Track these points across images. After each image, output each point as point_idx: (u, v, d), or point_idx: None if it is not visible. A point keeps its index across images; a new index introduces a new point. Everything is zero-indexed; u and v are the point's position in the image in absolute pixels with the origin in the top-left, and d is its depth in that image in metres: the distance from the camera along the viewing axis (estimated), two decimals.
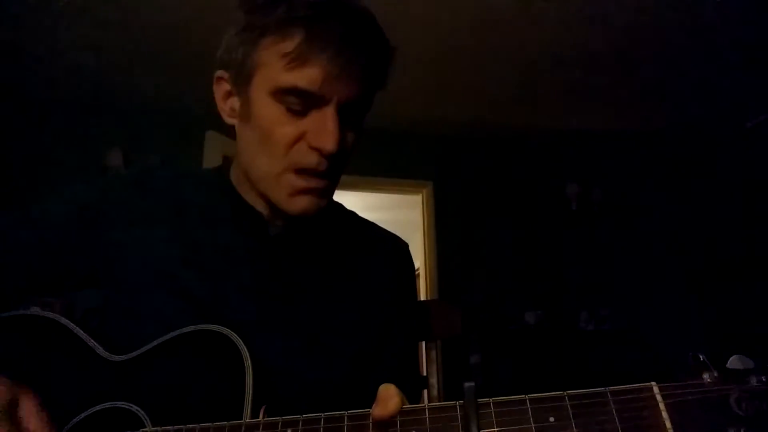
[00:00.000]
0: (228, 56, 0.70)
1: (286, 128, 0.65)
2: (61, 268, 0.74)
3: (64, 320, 0.68)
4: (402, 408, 0.48)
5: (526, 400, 0.47)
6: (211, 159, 2.77)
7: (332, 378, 0.70)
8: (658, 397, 0.45)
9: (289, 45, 0.63)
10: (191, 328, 0.63)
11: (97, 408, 0.61)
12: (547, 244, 3.90)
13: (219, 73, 0.73)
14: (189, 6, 2.44)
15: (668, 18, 2.63)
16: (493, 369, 3.21)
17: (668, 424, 0.43)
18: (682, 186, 4.06)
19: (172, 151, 3.21)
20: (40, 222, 0.74)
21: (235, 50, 0.68)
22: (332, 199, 0.86)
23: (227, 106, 0.73)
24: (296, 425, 0.50)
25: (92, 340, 0.67)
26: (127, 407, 0.60)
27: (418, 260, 3.72)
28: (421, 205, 3.83)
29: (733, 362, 0.45)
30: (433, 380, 0.99)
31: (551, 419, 0.45)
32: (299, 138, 0.66)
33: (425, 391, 1.00)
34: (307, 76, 0.63)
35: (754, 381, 0.43)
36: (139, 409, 0.60)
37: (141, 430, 0.57)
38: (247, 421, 0.53)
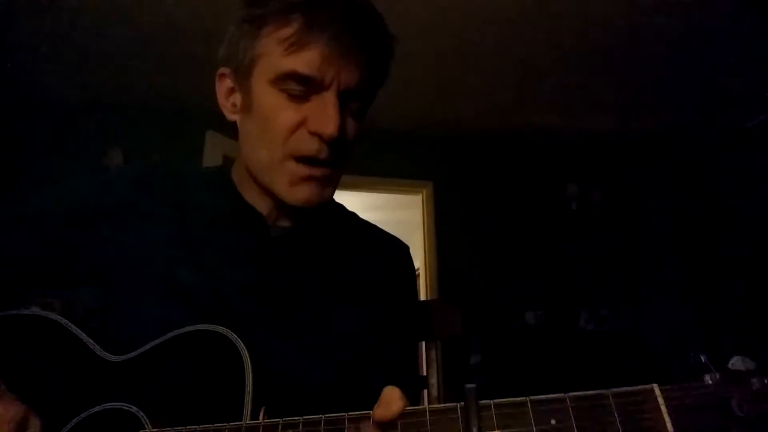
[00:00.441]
0: (229, 52, 0.70)
1: (287, 114, 0.66)
2: (60, 264, 0.74)
3: (63, 320, 0.68)
4: (403, 410, 0.48)
5: (527, 402, 0.46)
6: (211, 159, 2.77)
7: (332, 379, 0.70)
8: (660, 399, 0.44)
9: (288, 31, 0.63)
10: (191, 328, 0.63)
11: (97, 409, 0.61)
12: (547, 244, 3.89)
13: (221, 70, 0.73)
14: (189, 6, 2.44)
15: (668, 18, 2.63)
16: (493, 369, 3.21)
17: (670, 427, 0.43)
18: (682, 186, 4.06)
19: (172, 151, 3.21)
20: (39, 218, 0.74)
21: (236, 44, 0.69)
22: (334, 201, 0.86)
23: (229, 103, 0.73)
24: (296, 427, 0.50)
25: (91, 341, 0.66)
26: (126, 408, 0.60)
27: (418, 260, 3.71)
28: (421, 205, 3.83)
29: (735, 363, 0.45)
30: (433, 380, 0.99)
31: (553, 421, 0.45)
32: (300, 124, 0.66)
33: (425, 392, 1.00)
34: (306, 60, 0.63)
35: (756, 383, 0.43)
36: (138, 410, 0.59)
37: (140, 431, 0.57)
38: (247, 422, 0.53)
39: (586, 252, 3.92)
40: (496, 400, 0.47)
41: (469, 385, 0.44)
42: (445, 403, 0.48)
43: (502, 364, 3.28)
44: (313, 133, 0.65)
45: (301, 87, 0.65)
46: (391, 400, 0.48)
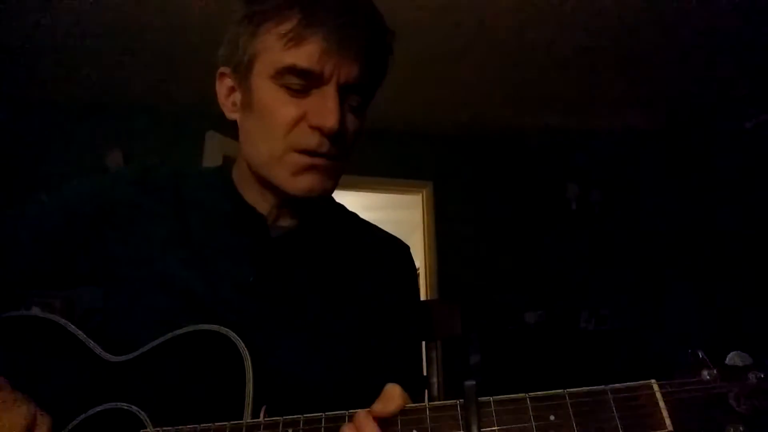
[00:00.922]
0: (229, 51, 0.71)
1: (287, 108, 0.66)
2: (61, 265, 0.74)
3: (63, 321, 0.68)
4: (403, 407, 0.48)
5: (526, 398, 0.47)
6: (211, 159, 2.77)
7: (333, 378, 0.70)
8: (658, 395, 0.45)
9: (287, 26, 0.64)
10: (191, 328, 0.63)
11: (98, 409, 0.61)
12: (547, 244, 3.89)
13: (221, 69, 0.73)
14: (189, 6, 2.44)
15: (668, 18, 2.63)
16: (493, 369, 3.21)
17: (668, 422, 0.43)
18: (682, 186, 4.06)
19: (172, 151, 3.21)
20: (39, 219, 0.74)
21: (235, 43, 0.69)
22: (334, 201, 0.87)
23: (229, 102, 0.74)
24: (297, 425, 0.50)
25: (92, 341, 0.66)
26: (127, 408, 0.60)
27: (418, 260, 3.71)
28: (421, 205, 3.83)
29: (732, 359, 0.45)
30: (434, 380, 0.99)
31: (552, 417, 0.45)
32: (300, 119, 0.66)
33: (426, 391, 1.00)
34: (305, 54, 0.64)
35: (752, 378, 0.43)
36: (139, 409, 0.59)
37: (141, 431, 0.57)
38: (248, 421, 0.53)
39: (586, 252, 3.92)
40: (495, 397, 0.47)
41: (468, 382, 0.45)
42: None
43: (502, 364, 3.28)
44: (314, 127, 0.65)
45: (300, 81, 0.65)
46: (391, 397, 0.48)
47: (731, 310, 3.45)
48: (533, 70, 3.12)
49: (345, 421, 0.49)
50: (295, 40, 0.63)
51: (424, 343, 1.02)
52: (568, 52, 2.94)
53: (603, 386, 0.46)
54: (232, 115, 0.74)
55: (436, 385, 0.99)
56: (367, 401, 0.50)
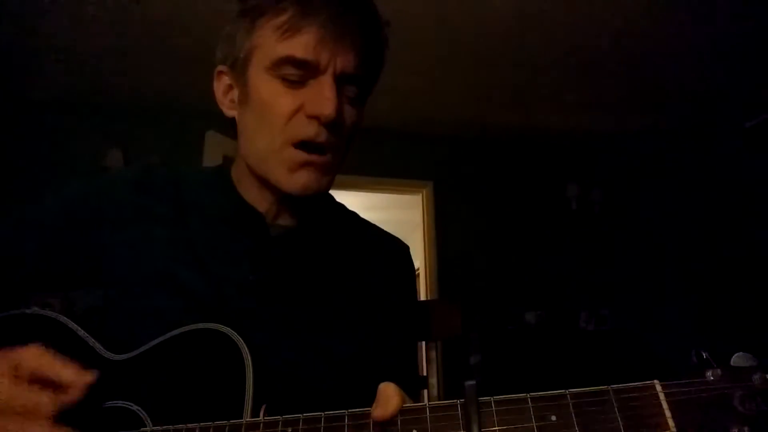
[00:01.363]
0: (227, 49, 0.71)
1: (284, 99, 0.66)
2: (61, 266, 0.74)
3: (63, 319, 0.68)
4: (402, 407, 0.48)
5: (527, 398, 0.46)
6: (211, 159, 2.77)
7: (332, 377, 0.70)
8: (661, 396, 0.44)
9: (282, 18, 0.64)
10: (192, 326, 0.63)
11: (98, 407, 0.61)
12: (547, 244, 3.89)
13: (219, 68, 0.74)
14: (189, 6, 2.44)
15: (668, 18, 2.63)
16: (494, 369, 3.21)
17: (671, 423, 0.43)
18: (682, 186, 4.06)
19: (172, 151, 3.21)
20: (39, 220, 0.74)
21: (232, 40, 0.70)
22: (334, 200, 0.86)
23: (227, 100, 0.74)
24: (297, 424, 0.50)
25: (92, 339, 0.66)
26: (127, 406, 0.60)
27: (418, 260, 3.71)
28: (421, 205, 3.83)
29: (737, 360, 0.45)
30: (433, 380, 0.99)
31: (553, 418, 0.45)
32: (297, 110, 0.66)
33: (425, 391, 1.00)
34: (300, 44, 0.64)
35: (757, 379, 0.43)
36: (139, 408, 0.59)
37: (141, 429, 0.57)
38: (248, 420, 0.53)
39: (586, 252, 3.92)
40: (496, 397, 0.46)
41: (468, 382, 0.44)
42: None
43: (502, 364, 3.28)
44: (311, 116, 0.65)
45: (297, 72, 0.65)
46: (388, 398, 0.48)
47: (732, 311, 3.45)
48: (533, 70, 3.12)
49: (344, 421, 0.49)
50: (290, 31, 0.64)
51: (424, 343, 1.02)
52: (568, 53, 2.93)
53: (605, 386, 0.46)
54: (230, 112, 0.74)
55: (435, 386, 0.98)
56: (366, 400, 0.50)
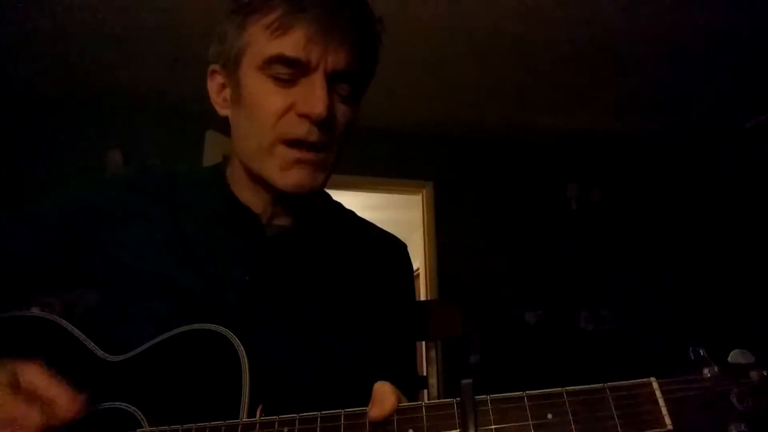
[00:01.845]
0: (219, 47, 0.71)
1: (275, 98, 0.66)
2: (59, 267, 0.74)
3: (61, 321, 0.68)
4: (399, 406, 0.48)
5: (523, 396, 0.46)
6: (211, 159, 2.77)
7: (329, 377, 0.70)
8: (658, 393, 0.44)
9: (273, 16, 0.64)
10: (188, 327, 0.63)
11: (94, 409, 0.61)
12: (547, 244, 3.89)
13: (212, 67, 0.73)
14: (189, 6, 2.44)
15: (668, 18, 2.63)
16: (494, 369, 3.21)
17: (668, 420, 0.42)
18: (682, 186, 4.06)
19: (172, 151, 3.21)
20: (36, 222, 0.74)
21: (224, 38, 0.69)
22: (331, 199, 0.86)
23: (221, 99, 0.73)
24: (293, 424, 0.50)
25: (89, 341, 0.66)
26: (123, 407, 0.60)
27: (418, 260, 3.71)
28: (421, 205, 3.83)
29: (734, 357, 0.44)
30: (433, 380, 0.99)
31: (549, 416, 0.45)
32: (288, 109, 0.66)
33: (425, 392, 1.00)
34: (291, 42, 0.64)
35: (755, 376, 0.43)
36: (136, 409, 0.59)
37: (138, 430, 0.57)
38: (244, 420, 0.53)
39: (586, 252, 3.92)
40: (492, 395, 0.46)
41: (465, 381, 0.44)
42: None
43: (501, 363, 3.27)
44: (302, 115, 0.65)
45: (288, 70, 0.65)
46: (383, 396, 0.47)
47: (732, 309, 3.45)
48: (533, 70, 3.12)
49: (341, 420, 0.49)
50: (280, 29, 0.63)
51: (423, 343, 1.02)
52: (568, 53, 2.93)
53: (601, 384, 0.45)
54: (223, 111, 0.74)
55: (435, 386, 0.98)
56: (363, 399, 0.49)
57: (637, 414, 0.43)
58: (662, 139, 3.98)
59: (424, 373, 1.00)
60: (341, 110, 0.69)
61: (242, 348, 0.59)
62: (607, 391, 0.45)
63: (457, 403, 0.46)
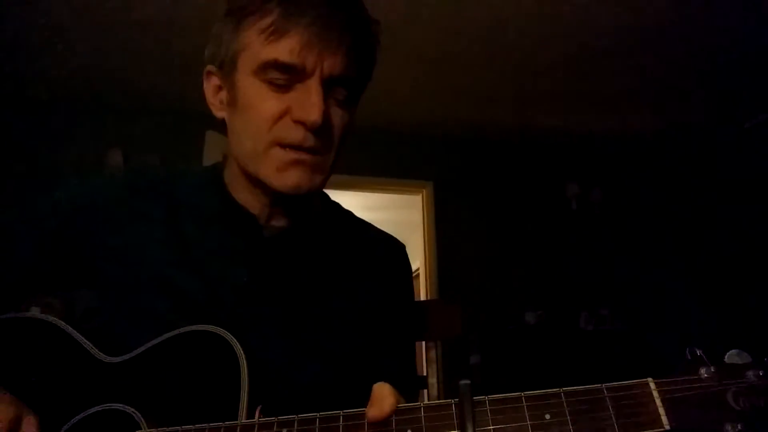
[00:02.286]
0: (215, 49, 0.71)
1: (270, 103, 0.65)
2: (56, 268, 0.74)
3: (60, 322, 0.68)
4: (397, 407, 0.48)
5: (522, 397, 0.46)
6: (211, 159, 2.75)
7: (328, 378, 0.70)
8: (655, 393, 0.44)
9: (268, 20, 0.63)
10: (187, 328, 0.63)
11: (93, 410, 0.61)
12: (547, 244, 3.89)
13: (208, 68, 0.73)
14: (189, 6, 2.44)
15: (668, 18, 2.63)
16: (493, 369, 3.21)
17: (665, 420, 0.43)
18: (682, 186, 4.06)
19: (172, 151, 3.21)
20: (35, 222, 0.74)
21: (220, 40, 0.69)
22: (329, 199, 0.86)
23: (217, 100, 0.73)
24: (292, 425, 0.50)
25: (88, 342, 0.66)
26: (122, 409, 0.60)
27: (418, 260, 3.71)
28: (421, 205, 3.83)
29: (731, 357, 0.45)
30: (433, 380, 0.99)
31: (547, 416, 0.45)
32: (284, 114, 0.65)
33: (425, 392, 1.00)
34: (286, 47, 0.63)
35: (751, 376, 0.43)
36: (134, 410, 0.59)
37: (137, 431, 0.57)
38: (243, 421, 0.53)
39: (586, 252, 3.92)
40: (490, 396, 0.46)
41: (463, 381, 0.44)
42: None
43: (501, 364, 3.28)
44: (297, 122, 0.65)
45: (283, 75, 0.64)
46: (382, 398, 0.48)
47: (730, 310, 3.45)
48: (533, 70, 3.12)
49: (339, 421, 0.49)
50: (275, 33, 0.63)
51: (423, 343, 1.02)
52: (568, 53, 2.93)
53: (599, 385, 0.46)
54: (219, 113, 0.73)
55: (435, 386, 0.98)
56: (362, 401, 0.50)
57: (635, 414, 0.44)
58: (662, 139, 3.98)
59: (424, 373, 1.00)
60: (337, 114, 0.68)
61: (241, 349, 0.60)
62: (605, 391, 0.45)
63: (455, 404, 0.47)
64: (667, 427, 0.42)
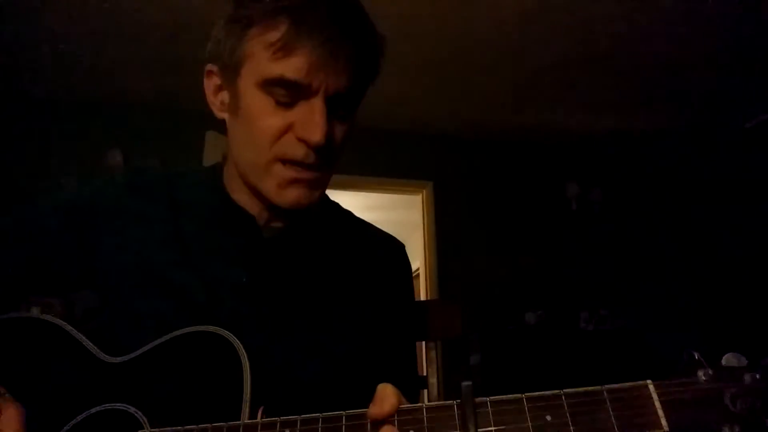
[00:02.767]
0: (217, 49, 0.70)
1: (273, 119, 0.65)
2: (56, 269, 0.75)
3: (61, 323, 0.68)
4: (399, 407, 0.48)
5: (522, 399, 0.47)
6: (211, 159, 2.76)
7: (330, 378, 0.70)
8: (654, 395, 0.45)
9: (275, 35, 0.62)
10: (189, 329, 0.63)
11: (95, 410, 0.61)
12: (547, 244, 3.89)
13: (209, 66, 0.72)
14: (189, 6, 2.45)
15: (668, 18, 2.63)
16: (494, 369, 3.21)
17: (664, 422, 0.43)
18: (682, 186, 4.06)
19: (172, 151, 3.21)
20: (34, 224, 0.75)
21: (223, 42, 0.68)
22: (328, 199, 0.86)
23: (218, 100, 0.73)
24: (294, 425, 0.50)
25: (90, 342, 0.67)
26: (124, 409, 0.60)
27: (418, 260, 3.72)
28: (421, 205, 3.83)
29: (728, 359, 0.45)
30: (433, 380, 0.99)
31: (548, 418, 0.45)
32: (286, 130, 0.65)
33: (425, 392, 1.00)
34: (293, 66, 0.62)
35: (748, 378, 0.44)
36: (137, 410, 0.60)
37: (139, 431, 0.58)
38: (246, 421, 0.53)
39: (586, 252, 3.92)
40: (492, 397, 0.47)
41: (465, 383, 0.45)
42: None
43: (501, 364, 3.28)
44: (300, 140, 0.65)
45: (288, 92, 0.64)
46: (384, 397, 0.48)
47: (729, 310, 3.45)
48: (533, 70, 3.12)
49: (342, 421, 0.49)
50: (283, 50, 0.62)
51: (423, 343, 1.02)
52: (568, 53, 2.94)
53: (599, 386, 0.46)
54: (220, 114, 0.73)
55: (435, 386, 0.99)
56: (363, 401, 0.50)
57: (634, 416, 0.44)
58: (662, 139, 3.99)
59: (424, 373, 1.00)
60: (338, 129, 0.68)
61: (243, 350, 0.60)
62: (605, 393, 0.46)
63: (457, 405, 0.47)
64: (666, 429, 0.43)
